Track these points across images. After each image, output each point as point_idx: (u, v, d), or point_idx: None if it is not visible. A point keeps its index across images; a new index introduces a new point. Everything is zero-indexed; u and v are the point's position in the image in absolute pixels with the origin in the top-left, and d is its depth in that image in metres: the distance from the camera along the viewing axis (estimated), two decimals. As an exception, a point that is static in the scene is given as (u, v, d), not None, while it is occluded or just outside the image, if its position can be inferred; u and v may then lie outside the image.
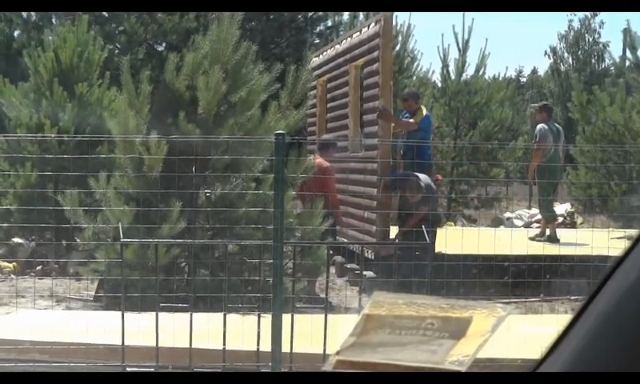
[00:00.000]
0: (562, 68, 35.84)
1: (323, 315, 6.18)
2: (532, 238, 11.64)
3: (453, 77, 19.30)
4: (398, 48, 19.81)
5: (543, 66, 61.43)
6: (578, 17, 35.93)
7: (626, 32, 20.47)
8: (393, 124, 10.85)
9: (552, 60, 37.01)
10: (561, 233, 12.47)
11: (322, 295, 7.62)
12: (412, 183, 9.80)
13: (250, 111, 8.81)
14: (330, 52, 14.10)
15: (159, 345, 6.11)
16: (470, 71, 19.34)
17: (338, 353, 1.31)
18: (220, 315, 6.25)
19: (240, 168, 8.62)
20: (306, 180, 9.09)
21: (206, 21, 15.74)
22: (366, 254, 10.13)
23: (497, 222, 16.82)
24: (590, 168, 17.37)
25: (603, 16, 35.68)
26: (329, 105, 13.93)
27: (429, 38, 24.13)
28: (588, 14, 35.19)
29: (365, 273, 9.03)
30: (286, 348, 6.00)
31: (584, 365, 1.12)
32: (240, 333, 6.29)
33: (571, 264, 9.23)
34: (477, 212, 18.27)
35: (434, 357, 1.27)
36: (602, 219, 15.65)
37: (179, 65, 8.86)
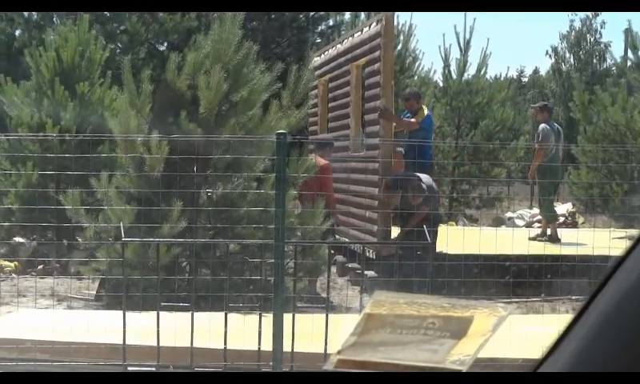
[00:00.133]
0: (564, 68, 35.82)
1: (324, 315, 6.18)
2: (532, 238, 11.64)
3: (454, 76, 19.30)
4: (399, 48, 19.81)
5: (545, 65, 61.47)
6: (579, 17, 35.90)
7: (628, 32, 20.46)
8: (394, 124, 10.86)
9: (553, 60, 36.99)
10: (562, 232, 12.47)
11: (323, 295, 7.62)
12: (414, 184, 9.80)
13: (251, 111, 8.82)
14: (332, 51, 14.10)
15: (160, 344, 6.11)
16: (471, 71, 19.36)
17: (339, 352, 1.31)
18: (221, 314, 6.25)
19: (241, 167, 8.62)
20: (305, 179, 9.10)
21: (208, 20, 15.74)
22: (368, 254, 10.13)
23: (498, 222, 16.80)
24: (591, 168, 17.37)
25: (604, 16, 35.64)
26: (330, 104, 13.93)
27: (430, 37, 24.17)
28: (589, 13, 35.16)
29: (366, 272, 9.03)
30: (287, 347, 6.00)
31: (585, 365, 1.12)
32: (241, 332, 6.29)
33: (572, 264, 9.23)
34: (478, 212, 18.26)
35: (435, 356, 1.27)
36: (603, 219, 15.65)
37: (180, 64, 8.86)
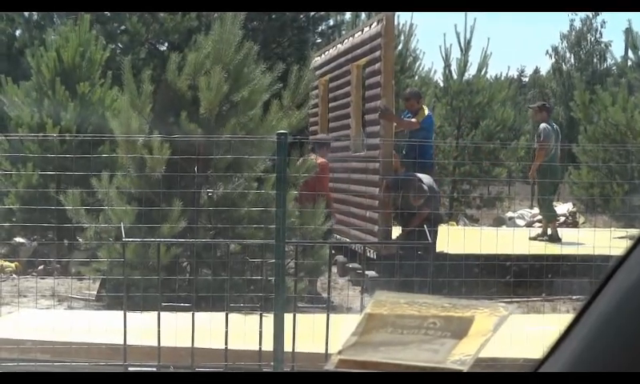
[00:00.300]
0: (564, 68, 35.81)
1: (325, 315, 6.18)
2: (533, 238, 11.64)
3: (455, 76, 19.30)
4: (399, 47, 19.81)
5: (545, 65, 61.42)
6: (579, 16, 35.88)
7: (628, 32, 20.46)
8: (395, 124, 10.86)
9: (554, 60, 36.99)
10: (563, 232, 12.47)
11: (324, 295, 7.62)
12: (415, 185, 9.80)
13: (252, 111, 8.82)
14: (332, 51, 14.10)
15: (161, 344, 6.11)
16: (472, 71, 19.37)
17: (340, 352, 1.31)
18: (222, 315, 6.25)
19: (242, 168, 8.62)
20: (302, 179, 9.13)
21: (208, 20, 15.74)
22: (368, 254, 10.13)
23: (499, 222, 16.81)
24: (592, 167, 17.37)
25: (605, 16, 35.62)
26: (331, 104, 13.93)
27: (431, 37, 24.17)
28: (589, 13, 35.16)
29: (367, 272, 9.03)
30: (288, 347, 6.00)
31: (585, 365, 1.12)
32: (242, 332, 6.29)
33: (573, 263, 9.23)
34: (479, 212, 18.27)
35: (436, 356, 1.27)
36: (603, 219, 15.65)
37: (181, 64, 8.86)
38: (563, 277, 9.52)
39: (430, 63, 51.19)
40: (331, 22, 22.47)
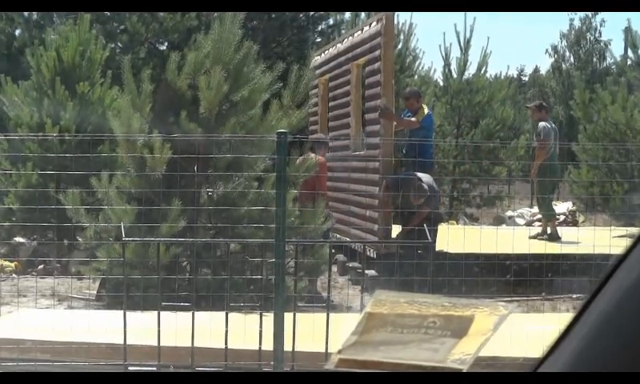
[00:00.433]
0: (564, 67, 35.82)
1: (325, 314, 6.18)
2: (533, 237, 11.63)
3: (454, 75, 19.29)
4: (399, 47, 19.81)
5: (545, 64, 61.45)
6: (579, 16, 35.90)
7: (627, 31, 20.46)
8: (394, 123, 10.86)
9: (553, 59, 37.00)
10: (562, 231, 12.46)
11: (324, 294, 7.63)
12: (415, 184, 9.80)
13: (251, 110, 8.82)
14: (332, 51, 14.10)
15: (161, 344, 6.11)
16: (471, 70, 19.35)
17: (340, 351, 1.31)
18: (222, 314, 6.25)
19: (242, 167, 8.62)
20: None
21: (208, 19, 15.73)
22: (368, 253, 10.13)
23: (499, 221, 16.82)
24: (591, 166, 17.37)
25: (604, 15, 35.64)
26: (330, 104, 13.94)
27: (430, 36, 24.15)
28: (589, 12, 35.17)
29: (367, 271, 9.03)
30: (287, 347, 6.00)
31: (585, 364, 1.12)
32: (242, 332, 6.29)
33: (573, 262, 9.23)
34: (479, 211, 18.26)
35: (436, 355, 1.27)
36: (603, 218, 15.65)
37: (181, 64, 8.86)
38: (563, 276, 9.52)
39: (430, 62, 51.35)
40: (331, 22, 22.47)
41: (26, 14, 19.18)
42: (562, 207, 17.31)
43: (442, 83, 20.36)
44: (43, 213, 9.44)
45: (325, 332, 6.01)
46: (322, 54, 15.02)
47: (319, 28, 22.48)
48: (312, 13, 21.47)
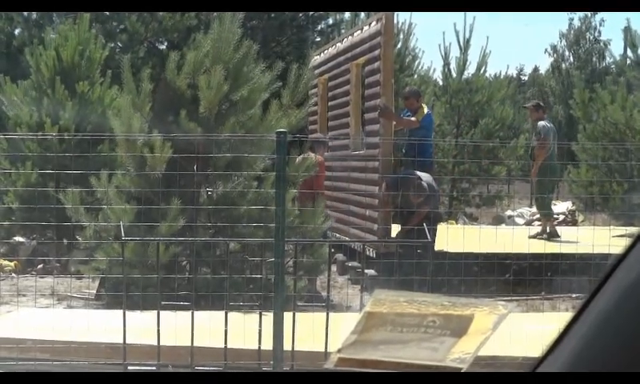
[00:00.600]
0: (563, 66, 35.84)
1: (325, 313, 6.18)
2: (532, 237, 11.63)
3: (454, 75, 19.29)
4: (399, 46, 19.80)
5: (544, 64, 61.43)
6: (578, 15, 35.92)
7: (627, 30, 20.45)
8: (394, 122, 10.85)
9: (553, 58, 37.02)
10: (562, 231, 12.46)
11: (324, 293, 7.63)
12: (415, 183, 9.79)
13: (251, 110, 8.82)
14: (332, 50, 14.10)
15: (161, 343, 6.11)
16: (471, 69, 19.35)
17: (339, 351, 1.31)
18: (221, 313, 6.25)
19: (241, 166, 8.62)
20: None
21: (207, 19, 15.73)
22: (368, 253, 10.13)
23: (498, 220, 16.81)
24: (591, 166, 17.37)
25: (604, 14, 35.66)
26: (330, 103, 13.93)
27: (430, 36, 24.11)
28: (588, 12, 35.18)
29: (366, 271, 9.03)
30: (287, 346, 6.00)
31: (584, 364, 1.12)
32: (241, 331, 6.29)
33: (572, 262, 9.23)
34: (478, 210, 18.26)
35: (435, 354, 1.28)
36: (603, 217, 15.64)
37: (180, 63, 8.86)
38: (562, 275, 9.51)
39: (429, 62, 51.38)
40: (330, 21, 22.47)
41: (25, 13, 19.17)
42: (561, 207, 17.30)
43: (441, 83, 20.35)
44: (43, 212, 9.44)
45: (324, 331, 6.01)
46: (322, 54, 15.02)
47: (319, 27, 22.49)
48: (311, 12, 21.47)
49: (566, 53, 36.52)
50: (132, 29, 19.19)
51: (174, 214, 8.12)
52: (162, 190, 8.10)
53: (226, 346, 6.14)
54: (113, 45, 17.55)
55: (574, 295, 9.60)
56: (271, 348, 5.93)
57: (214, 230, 8.71)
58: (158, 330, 6.08)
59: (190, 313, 6.16)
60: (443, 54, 19.40)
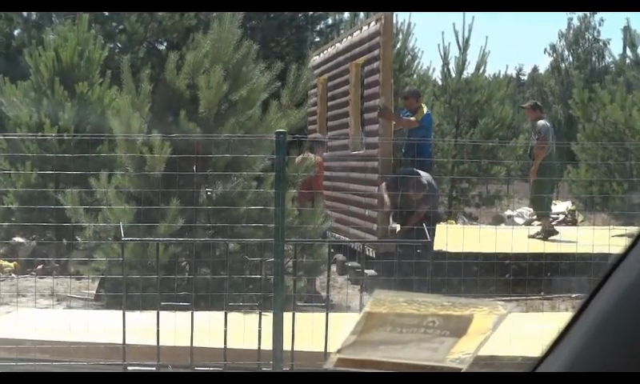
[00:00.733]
0: (563, 66, 35.84)
1: (324, 313, 6.18)
2: (532, 236, 11.63)
3: (453, 75, 19.29)
4: (398, 46, 19.79)
5: (543, 63, 61.43)
6: (577, 15, 35.91)
7: (626, 30, 20.46)
8: (393, 122, 10.85)
9: (552, 58, 37.02)
10: (562, 231, 12.46)
11: (323, 293, 7.62)
12: (414, 181, 9.79)
13: (250, 110, 8.82)
14: (331, 50, 14.10)
15: (160, 343, 6.11)
16: (470, 69, 19.34)
17: (339, 351, 1.31)
18: (221, 314, 6.25)
19: (241, 167, 8.62)
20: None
21: (207, 19, 15.73)
22: (367, 253, 10.13)
23: (498, 220, 16.81)
24: (590, 166, 17.36)
25: (603, 14, 35.65)
26: (329, 103, 13.93)
27: (429, 36, 24.08)
28: (587, 12, 35.18)
29: (366, 271, 9.03)
30: (287, 346, 6.00)
31: (584, 363, 1.12)
32: (241, 331, 6.29)
33: (572, 262, 9.23)
34: (478, 210, 18.26)
35: (435, 355, 1.28)
36: (602, 217, 15.65)
37: (179, 64, 8.86)
38: (562, 275, 9.52)
39: (429, 62, 51.39)
40: (330, 21, 22.47)
41: (24, 13, 19.17)
42: (561, 206, 17.31)
43: (440, 82, 20.35)
44: (42, 213, 9.44)
45: (324, 331, 6.01)
46: (321, 54, 15.02)
47: (318, 28, 22.48)
48: (311, 13, 21.47)
49: (566, 52, 36.53)
50: (131, 29, 19.18)
51: (173, 215, 8.13)
52: (162, 190, 8.10)
53: (225, 347, 6.14)
54: (112, 45, 17.55)
55: (573, 295, 9.60)
56: (271, 348, 5.93)
57: (213, 230, 8.71)
58: (158, 331, 6.08)
59: (189, 313, 6.16)
60: (442, 53, 19.42)
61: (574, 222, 16.38)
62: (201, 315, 6.43)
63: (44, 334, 6.76)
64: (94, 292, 9.44)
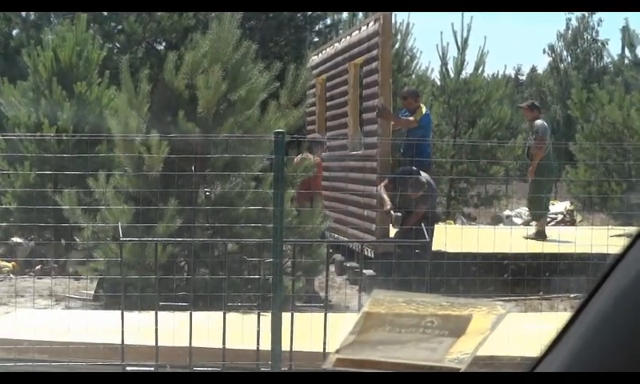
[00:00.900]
0: (561, 66, 35.85)
1: (323, 314, 6.18)
2: (526, 237, 11.62)
3: (452, 75, 19.29)
4: (397, 46, 19.80)
5: (542, 64, 61.49)
6: (575, 15, 35.93)
7: (625, 30, 20.47)
8: (392, 122, 10.85)
9: (551, 58, 37.04)
10: (560, 231, 12.46)
11: (322, 294, 7.62)
12: (413, 179, 9.79)
13: (249, 110, 8.81)
14: (330, 50, 14.10)
15: (159, 344, 6.11)
16: (469, 69, 19.34)
17: (337, 351, 1.31)
18: (220, 314, 6.25)
19: (239, 167, 8.62)
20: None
21: (205, 18, 15.72)
22: (366, 253, 10.14)
23: (496, 220, 16.82)
24: (589, 166, 17.37)
25: (601, 14, 35.67)
26: (328, 103, 13.93)
27: (428, 36, 24.04)
28: (586, 12, 35.19)
29: (364, 271, 9.03)
30: (285, 347, 6.00)
31: (582, 363, 1.12)
32: (240, 331, 6.29)
33: (570, 262, 9.24)
34: (476, 210, 18.25)
35: (433, 354, 1.27)
36: (601, 217, 15.65)
37: (178, 63, 8.85)
38: (561, 275, 9.52)
39: (427, 62, 51.39)
40: (328, 21, 22.46)
41: (23, 13, 19.15)
42: (559, 207, 17.31)
43: (439, 83, 20.35)
44: (41, 213, 9.44)
45: (322, 332, 6.01)
46: (320, 54, 15.02)
47: (317, 28, 22.48)
48: (309, 13, 21.47)
49: (564, 53, 36.55)
50: (130, 29, 19.17)
51: (171, 215, 8.12)
52: (160, 190, 8.10)
53: (224, 347, 6.13)
54: (111, 45, 17.53)
55: (572, 295, 9.60)
56: (269, 348, 5.93)
57: (212, 230, 8.71)
58: (156, 331, 6.08)
59: (188, 313, 6.16)
60: (441, 53, 19.41)
61: (572, 222, 16.39)
62: (199, 315, 6.43)
63: (42, 335, 6.76)
64: (93, 292, 9.43)
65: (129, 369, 6.16)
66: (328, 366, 1.31)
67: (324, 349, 5.92)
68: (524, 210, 17.45)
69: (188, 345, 6.10)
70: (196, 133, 8.35)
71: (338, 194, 12.41)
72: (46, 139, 11.47)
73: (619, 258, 1.15)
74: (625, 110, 16.96)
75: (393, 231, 10.43)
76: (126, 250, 7.34)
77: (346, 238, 11.52)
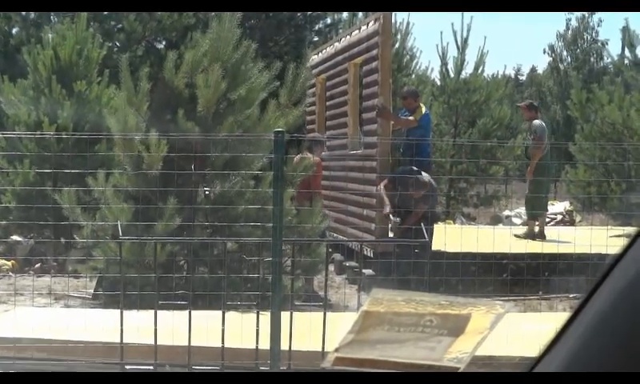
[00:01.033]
0: (561, 66, 35.85)
1: (322, 313, 6.18)
2: (531, 237, 11.63)
3: (452, 75, 19.29)
4: (397, 46, 19.79)
5: (542, 64, 61.48)
6: (575, 15, 35.93)
7: (625, 30, 20.48)
8: (392, 122, 10.85)
9: (551, 58, 37.03)
10: (559, 231, 12.46)
11: (321, 293, 7.62)
12: (414, 179, 9.78)
13: (249, 109, 8.81)
14: (329, 50, 14.09)
15: (158, 342, 6.11)
16: (468, 69, 19.34)
17: (336, 350, 1.31)
18: (219, 313, 6.25)
19: (239, 166, 8.62)
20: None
21: (205, 18, 15.72)
22: (365, 252, 10.14)
23: (496, 220, 16.81)
24: (588, 166, 17.37)
25: (601, 14, 35.67)
26: (328, 103, 13.93)
27: (427, 36, 24.03)
28: (586, 12, 35.19)
29: (364, 270, 9.03)
30: (284, 346, 6.00)
31: (581, 363, 1.12)
32: (239, 330, 6.29)
33: (569, 262, 9.23)
34: (476, 210, 18.25)
35: (432, 354, 1.28)
36: (600, 217, 15.65)
37: (178, 62, 8.85)
38: (560, 275, 9.51)
39: (427, 62, 51.46)
40: (328, 21, 22.46)
41: (23, 12, 19.15)
42: (558, 207, 17.31)
43: (439, 82, 20.35)
44: (40, 211, 9.44)
45: (322, 331, 6.01)
46: (320, 53, 15.02)
47: (316, 27, 22.48)
48: (309, 12, 21.46)
49: (564, 53, 36.54)
50: (130, 28, 19.17)
51: (171, 214, 8.12)
52: (160, 189, 8.10)
53: (223, 346, 6.13)
54: (110, 44, 17.53)
55: (571, 295, 9.60)
56: (268, 348, 5.93)
57: (211, 229, 8.71)
58: (156, 330, 6.08)
59: (187, 312, 6.16)
60: (441, 53, 19.41)
61: (571, 223, 16.39)
62: (198, 314, 6.43)
63: (41, 333, 6.76)
64: (92, 291, 9.43)
65: (128, 368, 6.16)
66: (327, 364, 1.31)
67: (323, 348, 5.92)
68: (523, 210, 17.45)
69: (187, 344, 6.10)
70: (196, 132, 8.35)
71: (337, 194, 12.41)
72: (46, 138, 11.47)
73: (618, 258, 1.15)
74: (624, 110, 16.96)
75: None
76: (125, 249, 7.34)
77: (345, 238, 11.52)
